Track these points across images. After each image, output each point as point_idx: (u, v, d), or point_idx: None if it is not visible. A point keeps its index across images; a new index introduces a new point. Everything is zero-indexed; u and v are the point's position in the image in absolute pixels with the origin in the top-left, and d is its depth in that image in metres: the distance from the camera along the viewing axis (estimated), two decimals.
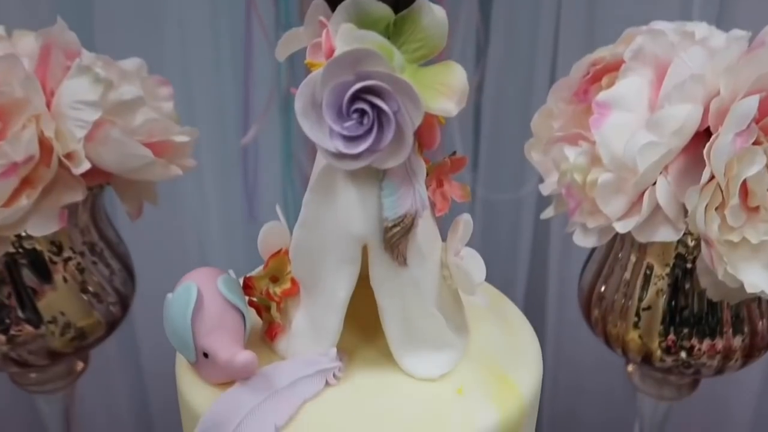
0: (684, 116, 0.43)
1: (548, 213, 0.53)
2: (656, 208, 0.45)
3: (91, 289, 0.51)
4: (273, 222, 0.39)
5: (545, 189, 0.51)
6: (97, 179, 0.46)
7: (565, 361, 0.90)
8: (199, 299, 0.36)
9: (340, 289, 0.36)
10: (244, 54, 0.77)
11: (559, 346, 0.88)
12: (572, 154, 0.46)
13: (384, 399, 0.36)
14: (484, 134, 0.82)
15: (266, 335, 0.40)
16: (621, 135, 0.44)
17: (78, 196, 0.44)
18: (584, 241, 0.49)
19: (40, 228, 0.43)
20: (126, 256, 0.56)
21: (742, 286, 0.42)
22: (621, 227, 0.45)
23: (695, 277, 0.49)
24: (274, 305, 0.38)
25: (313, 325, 0.37)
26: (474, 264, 0.38)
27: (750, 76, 0.41)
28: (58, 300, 0.50)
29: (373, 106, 0.31)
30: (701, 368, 0.52)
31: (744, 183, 0.41)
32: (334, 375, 0.37)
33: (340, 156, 0.32)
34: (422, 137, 0.34)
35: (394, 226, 0.34)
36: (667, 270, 0.50)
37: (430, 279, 0.37)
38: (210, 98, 0.78)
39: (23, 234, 0.47)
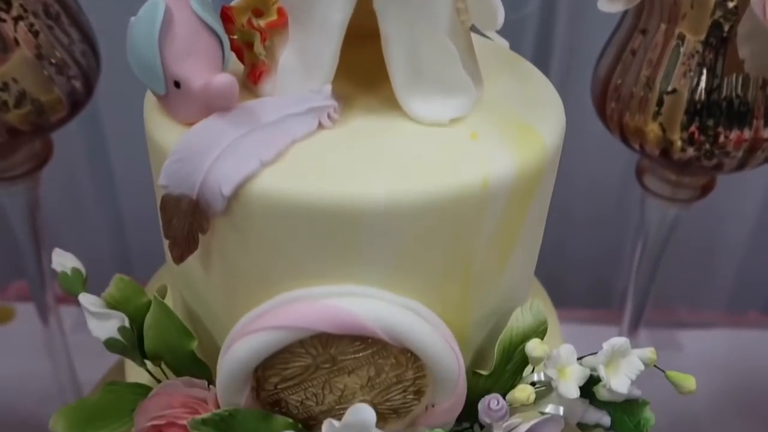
0: None
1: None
2: None
3: (49, 58, 0.45)
4: None
5: None
6: None
7: (555, 186, 0.86)
8: (168, 17, 0.30)
9: (336, 10, 0.30)
10: None
11: None
12: None
13: (387, 142, 0.31)
14: None
15: (248, 78, 0.34)
16: None
17: None
18: (610, 5, 0.43)
19: None
20: (87, 27, 0.49)
21: None
22: None
23: (729, 52, 0.44)
24: (257, 38, 0.33)
25: (304, 59, 0.32)
26: None
27: None
28: (11, 65, 0.44)
29: None
30: (724, 160, 0.48)
31: None
32: (328, 116, 0.32)
33: None
34: None
35: None
36: (699, 46, 0.45)
37: (443, 2, 0.31)
38: None
39: None
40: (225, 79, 0.29)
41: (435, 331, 0.31)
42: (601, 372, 0.32)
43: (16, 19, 0.44)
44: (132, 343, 0.36)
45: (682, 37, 0.45)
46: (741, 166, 0.49)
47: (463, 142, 0.32)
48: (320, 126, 0.32)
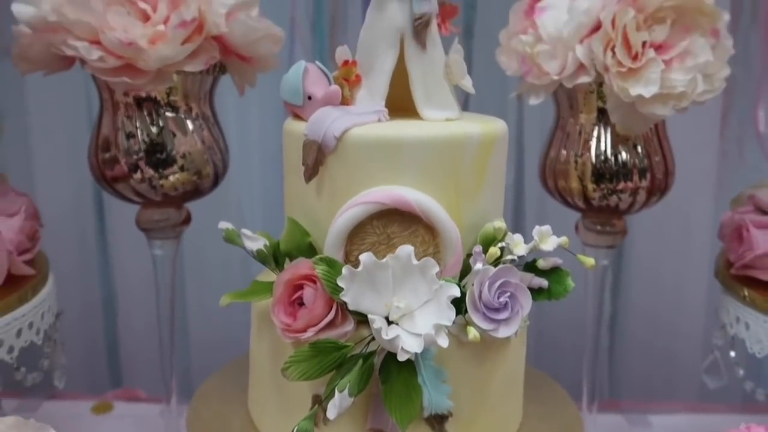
0: (588, 4, 0.71)
1: (514, 93, 0.80)
2: (579, 67, 0.72)
3: (205, 142, 0.76)
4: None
5: (509, 71, 0.78)
6: (225, 55, 0.72)
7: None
8: (306, 68, 0.62)
9: (386, 63, 0.62)
10: None
11: None
12: (524, 38, 0.74)
13: (414, 125, 0.61)
14: None
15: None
16: (553, 22, 0.72)
17: (215, 56, 0.70)
18: (534, 99, 0.75)
19: (194, 66, 0.69)
20: (222, 136, 0.81)
21: (633, 104, 0.69)
22: (557, 77, 0.72)
23: (612, 127, 0.76)
24: (346, 86, 0.64)
25: (370, 90, 0.63)
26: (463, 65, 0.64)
27: None
28: (188, 141, 0.75)
29: None
30: (619, 201, 0.77)
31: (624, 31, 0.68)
32: (383, 116, 0.62)
33: None
34: None
35: (419, 18, 0.61)
36: (593, 126, 0.76)
37: (439, 61, 0.63)
38: None
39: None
40: (334, 88, 0.60)
41: (445, 213, 0.58)
42: (536, 239, 0.59)
43: (187, 113, 0.76)
44: (271, 254, 0.63)
45: (582, 125, 0.77)
46: (631, 205, 0.78)
47: (453, 124, 0.62)
48: (379, 120, 0.62)
